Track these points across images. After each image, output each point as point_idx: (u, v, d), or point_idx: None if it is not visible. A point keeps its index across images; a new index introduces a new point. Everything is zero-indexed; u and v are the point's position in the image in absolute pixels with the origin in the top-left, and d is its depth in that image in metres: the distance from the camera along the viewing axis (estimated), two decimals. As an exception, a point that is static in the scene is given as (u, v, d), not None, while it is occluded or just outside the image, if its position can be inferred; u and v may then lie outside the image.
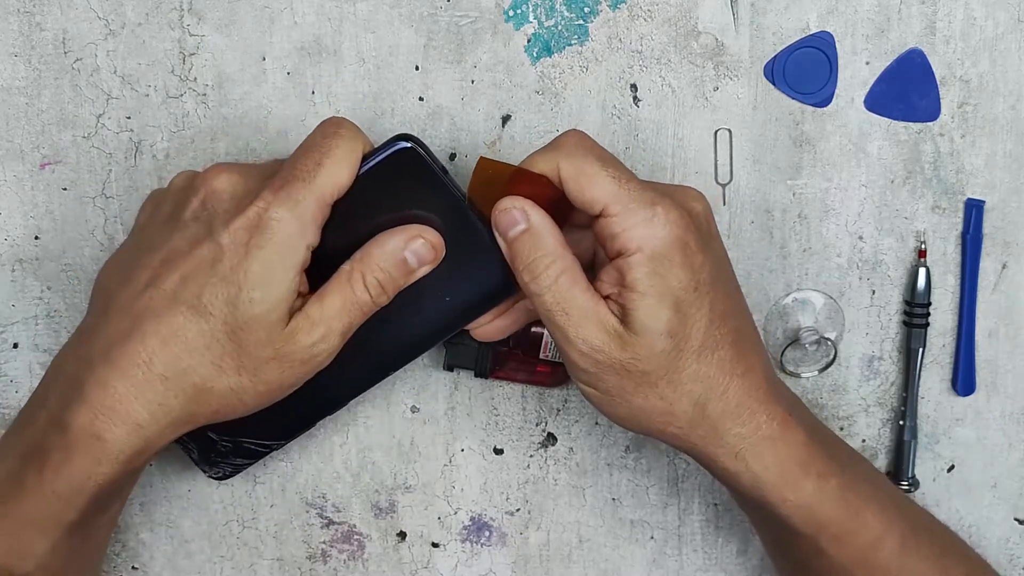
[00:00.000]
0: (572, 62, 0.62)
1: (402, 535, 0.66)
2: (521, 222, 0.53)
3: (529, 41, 0.61)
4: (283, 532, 0.66)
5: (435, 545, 0.66)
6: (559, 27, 0.61)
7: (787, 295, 0.64)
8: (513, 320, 0.58)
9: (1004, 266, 0.64)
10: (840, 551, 0.54)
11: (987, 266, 0.64)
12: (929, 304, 0.64)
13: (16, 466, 0.52)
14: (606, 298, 0.53)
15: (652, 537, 0.67)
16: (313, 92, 0.61)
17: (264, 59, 0.61)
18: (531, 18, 0.61)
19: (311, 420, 0.60)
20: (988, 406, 0.66)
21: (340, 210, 0.53)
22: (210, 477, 0.61)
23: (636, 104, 0.62)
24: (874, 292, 0.64)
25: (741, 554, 0.67)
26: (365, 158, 0.54)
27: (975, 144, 0.63)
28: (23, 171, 0.62)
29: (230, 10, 0.61)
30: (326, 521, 0.66)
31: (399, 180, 0.54)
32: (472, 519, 0.66)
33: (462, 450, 0.65)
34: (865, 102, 0.62)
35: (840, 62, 0.62)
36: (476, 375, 0.63)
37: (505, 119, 0.62)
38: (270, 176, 0.53)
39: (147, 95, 0.61)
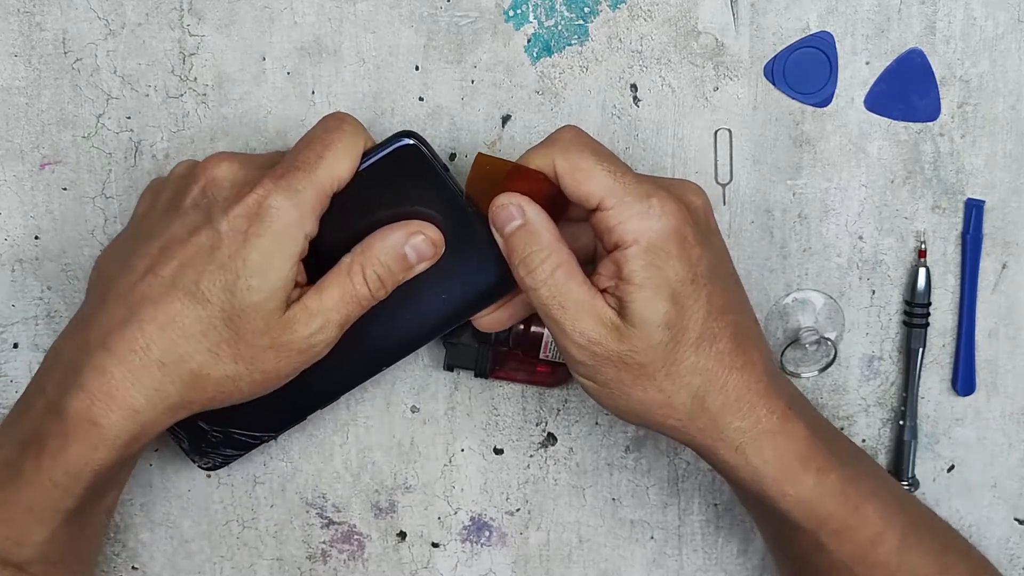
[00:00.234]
0: (572, 62, 0.62)
1: (402, 535, 0.66)
2: (517, 218, 0.53)
3: (529, 41, 0.61)
4: (283, 532, 0.66)
5: (435, 545, 0.66)
6: (559, 27, 0.61)
7: (787, 295, 0.64)
8: (511, 313, 0.58)
9: (1004, 266, 0.64)
10: (840, 546, 0.54)
11: (987, 266, 0.64)
12: (929, 304, 0.64)
13: (13, 454, 0.53)
14: (603, 291, 0.53)
15: (652, 537, 0.67)
16: (313, 92, 0.61)
17: (264, 59, 0.61)
18: (531, 18, 0.61)
19: (303, 413, 0.60)
20: (988, 406, 0.66)
21: (341, 204, 0.53)
22: (200, 467, 0.61)
23: (636, 104, 0.62)
24: (874, 292, 0.64)
25: (741, 554, 0.67)
26: (367, 153, 0.54)
27: (975, 144, 0.63)
28: (23, 171, 0.62)
29: (230, 10, 0.61)
30: (326, 521, 0.66)
31: (400, 176, 0.55)
32: (472, 519, 0.66)
33: (462, 450, 0.65)
34: (865, 102, 0.62)
35: (840, 62, 0.62)
36: (476, 375, 0.63)
37: (505, 119, 0.62)
38: (270, 166, 0.53)
39: (147, 95, 0.61)
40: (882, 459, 0.66)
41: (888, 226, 0.64)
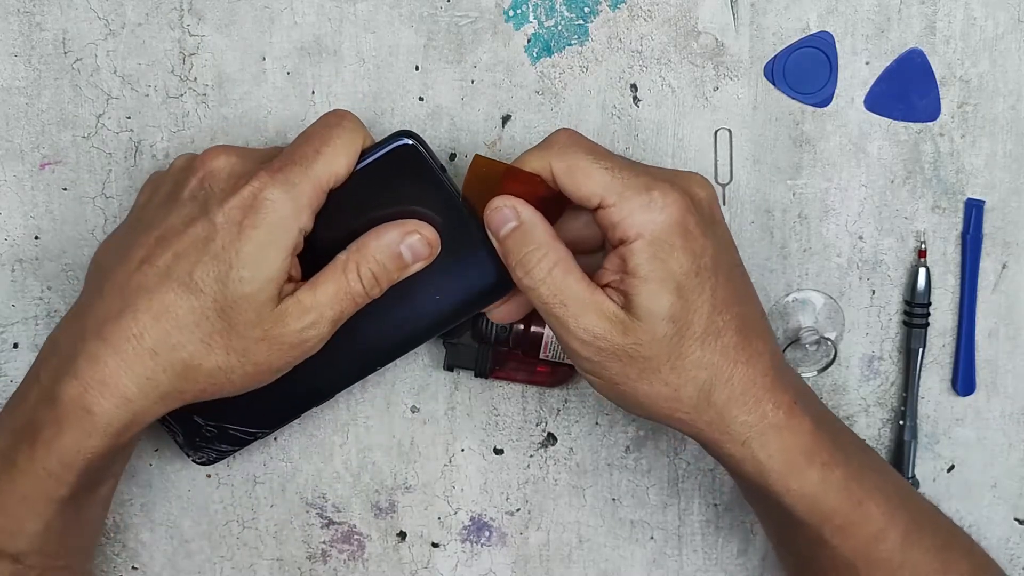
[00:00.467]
0: (572, 62, 0.62)
1: (402, 535, 0.66)
2: (512, 219, 0.53)
3: (529, 41, 0.61)
4: (283, 532, 0.66)
5: (435, 545, 0.66)
6: (559, 27, 0.61)
7: (787, 295, 0.64)
8: (520, 304, 0.58)
9: (1004, 266, 0.64)
10: (843, 543, 0.54)
11: (987, 266, 0.64)
12: (929, 304, 0.64)
13: (8, 443, 0.53)
14: (607, 287, 0.53)
15: (652, 537, 0.67)
16: (313, 92, 0.61)
17: (264, 59, 0.61)
18: (531, 18, 0.61)
19: (297, 410, 0.60)
20: (988, 406, 0.66)
21: (338, 202, 0.53)
22: (194, 462, 0.61)
23: (636, 104, 0.62)
24: (874, 292, 0.64)
25: (741, 554, 0.67)
26: (366, 152, 0.54)
27: (975, 144, 0.63)
28: (23, 171, 0.62)
29: (230, 10, 0.61)
30: (326, 521, 0.66)
31: (398, 176, 0.55)
32: (472, 519, 0.66)
33: (462, 450, 0.65)
34: (865, 102, 0.62)
35: (840, 62, 0.62)
36: (476, 375, 0.63)
37: (505, 119, 0.62)
38: (269, 159, 0.53)
39: (147, 95, 0.61)
40: (882, 459, 0.66)
41: (888, 226, 0.64)
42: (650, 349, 0.52)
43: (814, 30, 0.62)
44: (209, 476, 0.65)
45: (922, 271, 0.63)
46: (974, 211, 0.63)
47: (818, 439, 0.54)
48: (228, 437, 0.60)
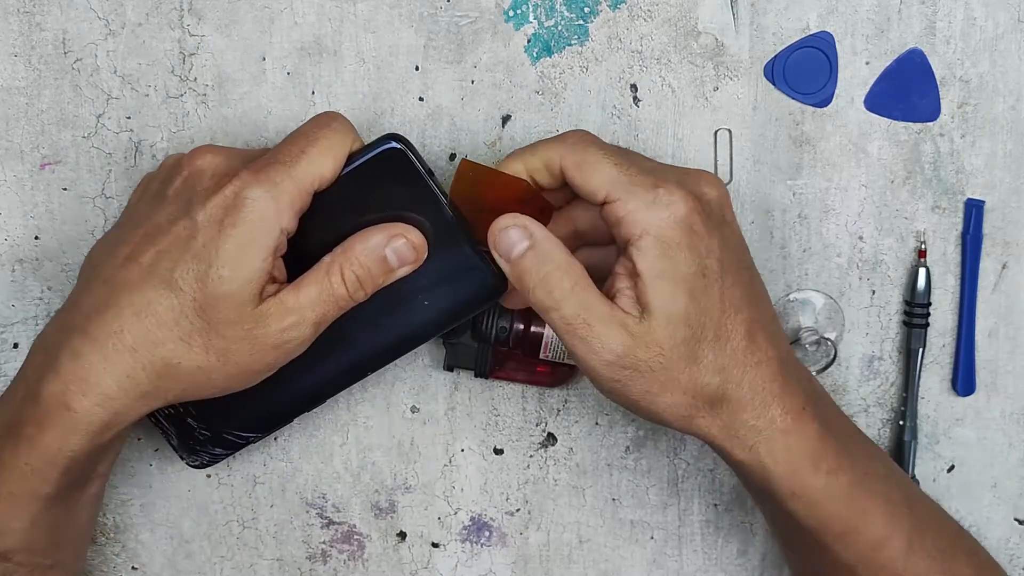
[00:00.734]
0: (572, 62, 0.62)
1: (402, 535, 0.66)
2: (524, 240, 0.53)
3: (529, 41, 0.61)
4: (283, 532, 0.66)
5: (435, 545, 0.66)
6: (559, 27, 0.61)
7: (787, 295, 0.64)
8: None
9: (1004, 266, 0.64)
10: (845, 548, 0.54)
11: (987, 266, 0.64)
12: (929, 304, 0.64)
13: None
14: (615, 297, 0.52)
15: (652, 537, 0.67)
16: (313, 92, 0.61)
17: (264, 59, 0.61)
18: (531, 18, 0.61)
19: (290, 415, 0.60)
20: (988, 406, 0.66)
21: (325, 205, 0.53)
22: (188, 464, 0.61)
23: (636, 104, 0.62)
24: (874, 292, 0.64)
25: (741, 554, 0.67)
26: (354, 155, 0.54)
27: (975, 144, 0.63)
28: (23, 171, 0.62)
29: (230, 10, 0.61)
30: (326, 521, 0.66)
31: (385, 180, 0.54)
32: (472, 519, 0.66)
33: (462, 450, 0.65)
34: (865, 102, 0.62)
35: (840, 62, 0.62)
36: (476, 375, 0.63)
37: (505, 119, 0.62)
38: (254, 159, 0.53)
39: (147, 95, 0.61)
40: (882, 459, 0.66)
41: (888, 226, 0.64)
42: (670, 356, 0.51)
43: (814, 30, 0.62)
44: (209, 476, 0.65)
45: (922, 271, 0.63)
46: (974, 211, 0.63)
47: (825, 445, 0.54)
48: (221, 441, 0.60)
